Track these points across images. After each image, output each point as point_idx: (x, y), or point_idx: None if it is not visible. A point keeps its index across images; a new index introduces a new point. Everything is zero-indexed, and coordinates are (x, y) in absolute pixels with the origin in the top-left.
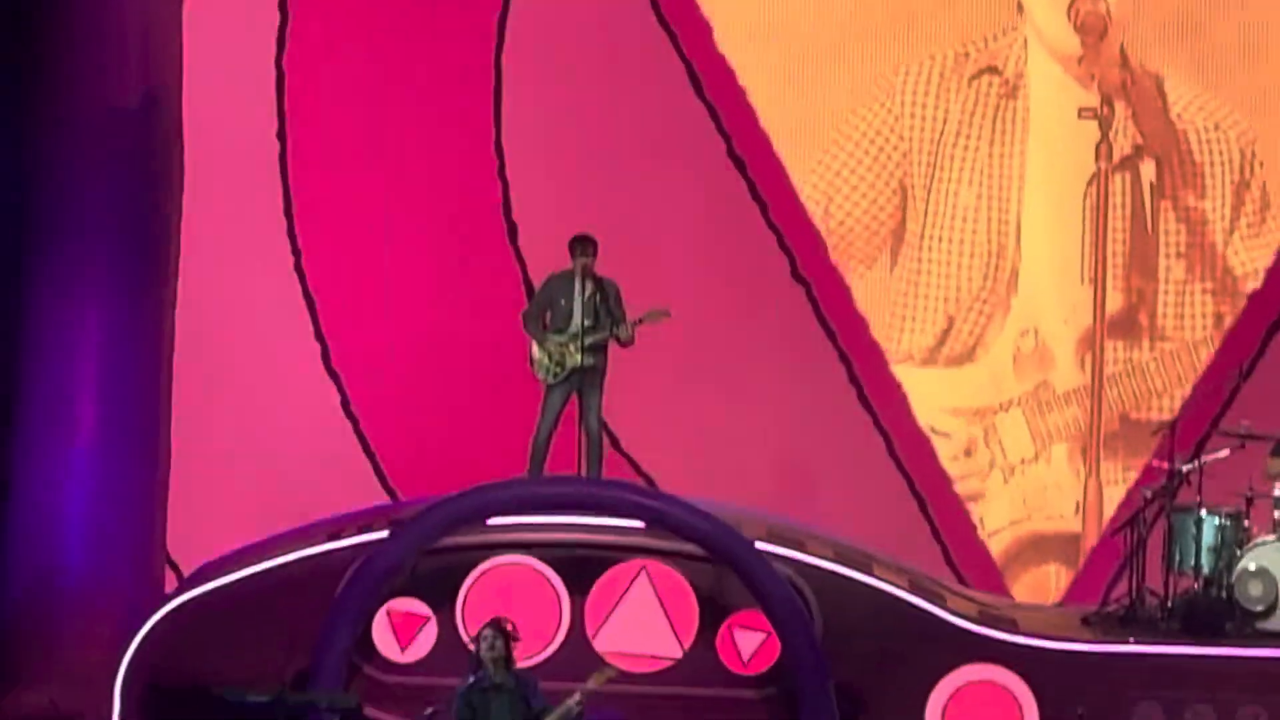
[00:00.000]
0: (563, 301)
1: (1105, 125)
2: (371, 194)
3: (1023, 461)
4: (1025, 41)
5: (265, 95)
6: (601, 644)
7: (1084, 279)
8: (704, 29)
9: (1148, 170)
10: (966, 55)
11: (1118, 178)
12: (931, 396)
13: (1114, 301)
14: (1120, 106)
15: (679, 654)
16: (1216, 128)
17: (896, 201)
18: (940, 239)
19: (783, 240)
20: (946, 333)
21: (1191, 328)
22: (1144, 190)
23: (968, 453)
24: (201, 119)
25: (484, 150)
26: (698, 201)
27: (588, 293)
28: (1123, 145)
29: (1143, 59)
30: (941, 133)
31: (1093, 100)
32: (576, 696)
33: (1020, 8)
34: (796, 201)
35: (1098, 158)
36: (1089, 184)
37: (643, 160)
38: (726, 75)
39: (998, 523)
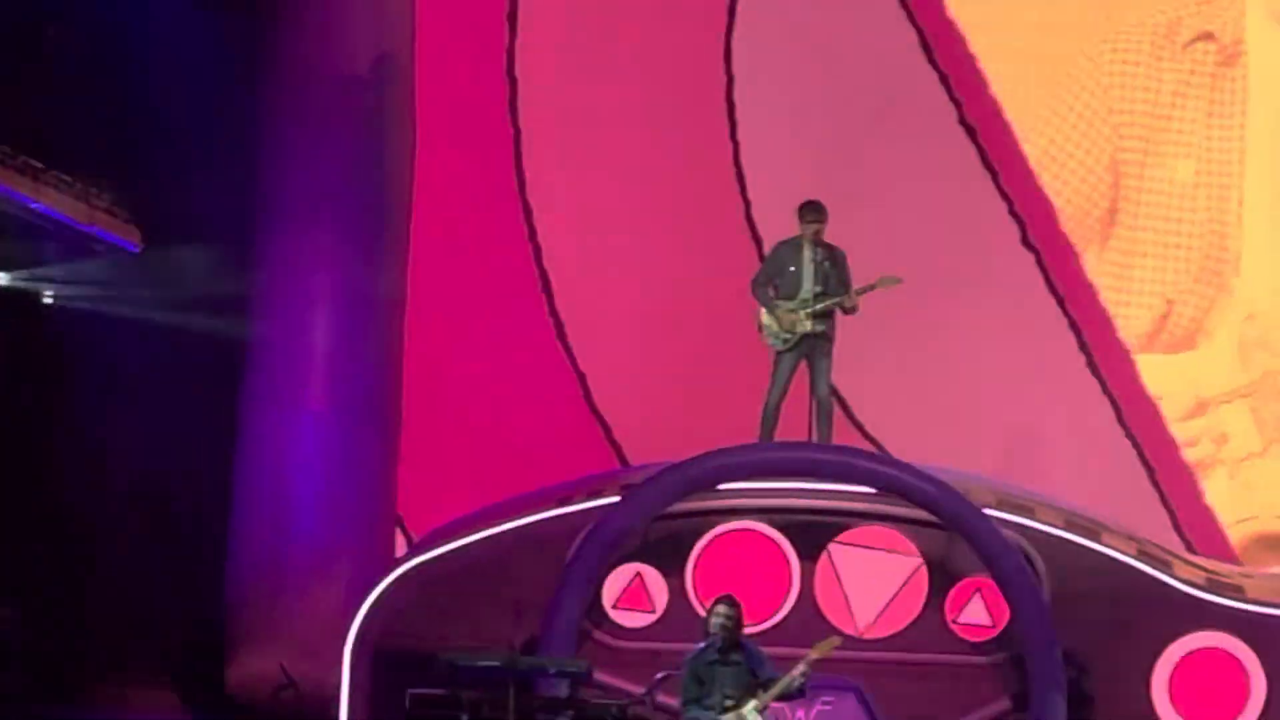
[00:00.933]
0: (792, 269)
1: None
2: (605, 166)
3: (1249, 456)
4: (1243, 4)
5: (497, 63)
6: (830, 609)
7: None
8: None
9: None
10: (1180, 20)
11: None
12: (1149, 386)
13: None
14: None
15: (908, 620)
16: None
17: (1110, 180)
18: (1157, 217)
19: (1013, 207)
20: (1165, 318)
21: None
22: None
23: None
24: (435, 87)
25: (717, 120)
26: (929, 169)
27: (817, 259)
28: None
29: None
30: (1155, 105)
31: None
32: (801, 667)
33: None
34: (1027, 168)
35: None
36: None
37: (874, 127)
38: (958, 41)
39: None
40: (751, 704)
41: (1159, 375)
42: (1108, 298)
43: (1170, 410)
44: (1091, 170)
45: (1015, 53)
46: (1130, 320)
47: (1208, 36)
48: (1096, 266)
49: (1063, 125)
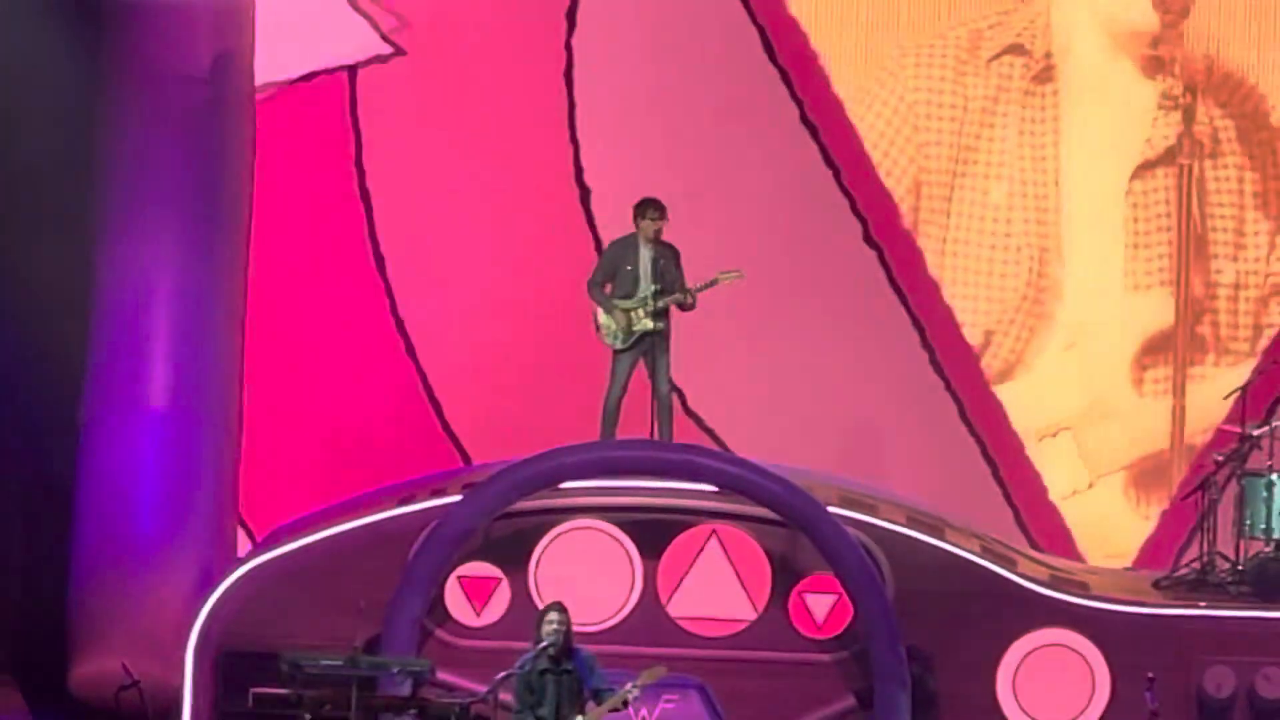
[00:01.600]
0: (628, 267)
1: (1189, 117)
2: (444, 162)
3: (1074, 493)
4: (1048, 16)
5: (335, 57)
6: (674, 608)
7: (1137, 283)
8: None
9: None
10: (981, 33)
11: (1172, 171)
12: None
13: (1166, 309)
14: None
15: (752, 618)
16: None
17: (910, 203)
18: (970, 243)
19: (855, 206)
20: (983, 349)
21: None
22: (1201, 186)
23: None
24: (274, 85)
25: (557, 118)
26: (771, 166)
27: (654, 257)
28: (1174, 133)
29: (1222, 42)
30: (962, 123)
31: (1160, 88)
32: (629, 687)
33: None
34: (870, 166)
35: (1179, 151)
36: (1131, 178)
37: (717, 125)
38: (799, 40)
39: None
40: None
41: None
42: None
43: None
44: (893, 191)
45: (851, 53)
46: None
47: (1017, 49)
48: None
49: (867, 145)
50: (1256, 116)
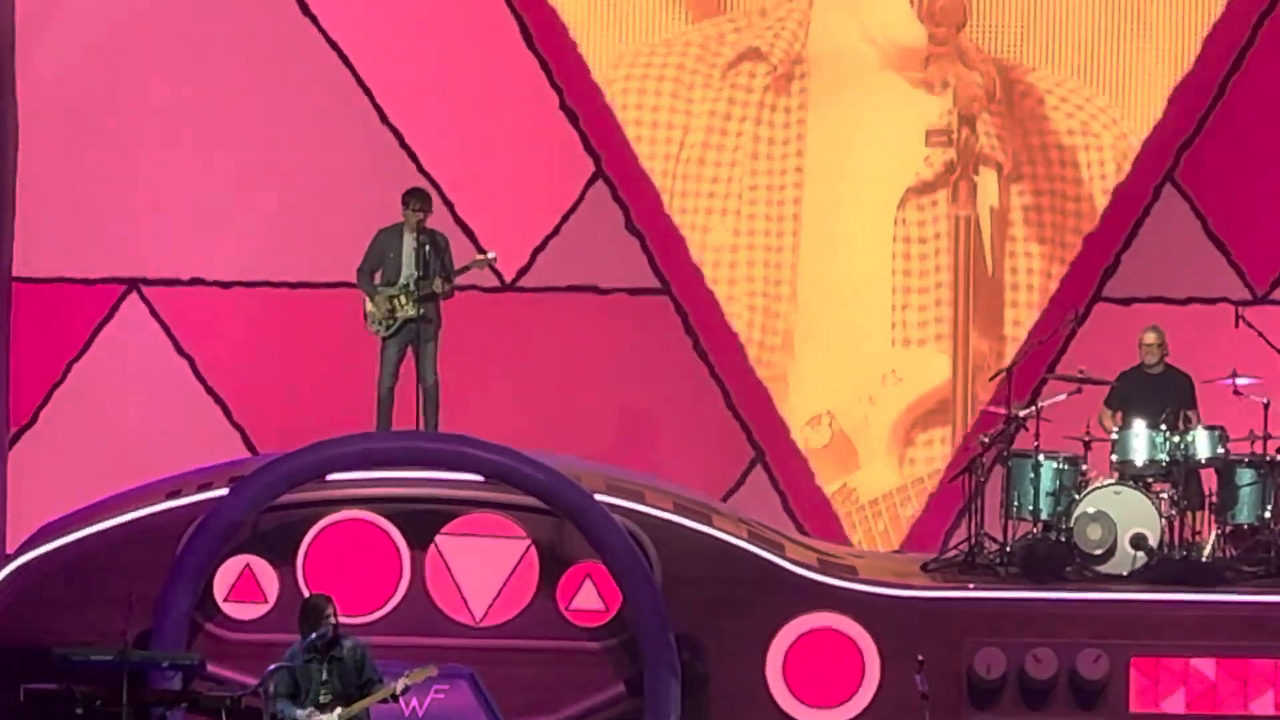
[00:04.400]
0: (392, 255)
1: (965, 155)
2: (202, 156)
3: (841, 479)
4: (808, 15)
5: (102, 51)
6: (442, 598)
7: (897, 338)
8: None
9: (987, 187)
10: (721, 38)
11: (942, 195)
12: None
13: (941, 365)
14: (979, 121)
15: (521, 606)
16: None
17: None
18: (725, 230)
19: (616, 193)
20: (748, 336)
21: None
22: (982, 216)
23: None
24: (38, 74)
25: (334, 105)
26: (532, 153)
27: (419, 245)
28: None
29: (993, 48)
30: (681, 144)
31: (936, 110)
32: (396, 685)
33: None
34: (630, 153)
35: (954, 198)
36: (900, 207)
37: (477, 110)
38: (558, 27)
39: None
40: (340, 711)
41: None
42: None
43: None
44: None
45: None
46: None
47: (756, 54)
48: None
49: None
50: (1044, 135)
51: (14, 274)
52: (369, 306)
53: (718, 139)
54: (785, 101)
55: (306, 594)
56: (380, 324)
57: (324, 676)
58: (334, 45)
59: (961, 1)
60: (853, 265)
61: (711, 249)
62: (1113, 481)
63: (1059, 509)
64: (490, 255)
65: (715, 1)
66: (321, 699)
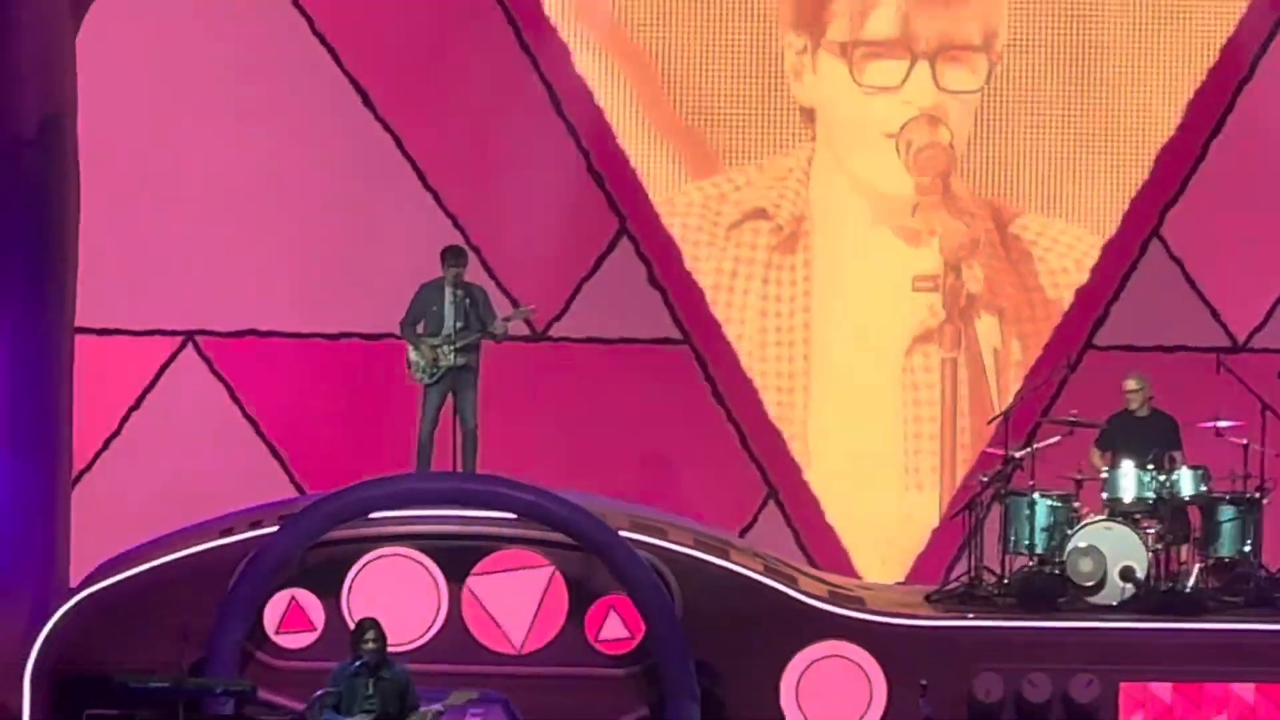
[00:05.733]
0: (434, 308)
1: (950, 298)
2: (253, 216)
3: (850, 516)
4: (809, 167)
5: (156, 123)
6: (477, 628)
7: (910, 484)
8: (564, 51)
9: (989, 332)
10: (722, 195)
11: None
12: None
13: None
14: (969, 268)
15: (550, 636)
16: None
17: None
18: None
19: (639, 248)
20: (763, 383)
21: None
22: (985, 358)
23: None
24: (98, 145)
25: (377, 169)
26: (563, 212)
27: (458, 298)
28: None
29: (983, 191)
30: (723, 301)
31: (926, 260)
32: (437, 707)
33: (808, 119)
34: (652, 211)
35: (940, 342)
36: (907, 354)
37: (511, 173)
38: (584, 95)
39: None
40: None
41: None
42: None
43: None
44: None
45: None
46: None
47: (760, 214)
48: None
49: None
50: (1025, 277)
51: (77, 325)
52: (413, 355)
53: (725, 296)
54: (791, 260)
55: (351, 625)
56: (424, 372)
57: (369, 692)
58: (378, 116)
59: (946, 150)
60: (864, 418)
61: (724, 296)
62: (1103, 517)
63: (1053, 543)
64: (531, 308)
65: (713, 160)
66: (365, 718)
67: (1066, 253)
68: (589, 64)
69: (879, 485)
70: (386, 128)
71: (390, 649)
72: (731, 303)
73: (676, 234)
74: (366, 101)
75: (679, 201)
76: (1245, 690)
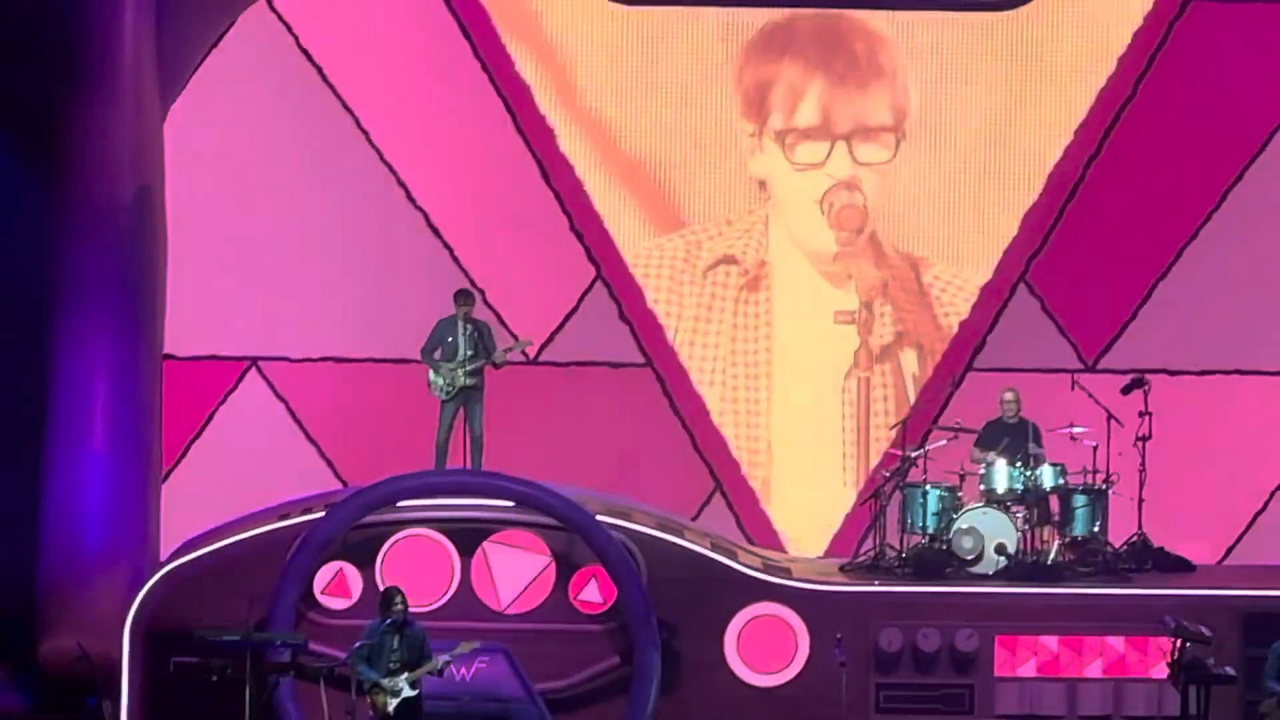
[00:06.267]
0: (450, 339)
1: (864, 330)
2: (304, 261)
3: (780, 502)
4: (767, 224)
5: (233, 190)
6: (483, 593)
7: (832, 478)
8: (550, 133)
9: (909, 360)
10: (699, 243)
11: (878, 369)
12: None
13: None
14: (879, 304)
15: (541, 599)
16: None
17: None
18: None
19: (612, 291)
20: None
21: None
22: (907, 381)
23: None
24: (183, 209)
25: (405, 234)
26: (551, 261)
27: (468, 331)
28: (883, 336)
29: (898, 244)
30: (676, 330)
31: (848, 299)
32: (444, 658)
33: (762, 186)
34: (623, 262)
35: (856, 364)
36: (846, 378)
37: (510, 231)
38: (568, 168)
39: None
40: (405, 676)
41: None
42: None
43: None
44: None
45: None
46: None
47: (729, 260)
48: None
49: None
50: (931, 320)
51: (164, 352)
52: (433, 377)
53: (703, 325)
54: (755, 296)
55: (383, 589)
56: (443, 390)
57: (395, 646)
58: (409, 195)
59: (860, 210)
60: (816, 429)
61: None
62: (981, 505)
63: (941, 525)
64: (529, 340)
65: (674, 217)
66: (391, 665)
67: (957, 293)
68: (570, 144)
69: (806, 479)
70: (415, 205)
71: (411, 610)
72: (709, 330)
73: (646, 277)
74: (399, 182)
75: (667, 248)
76: (1117, 642)
